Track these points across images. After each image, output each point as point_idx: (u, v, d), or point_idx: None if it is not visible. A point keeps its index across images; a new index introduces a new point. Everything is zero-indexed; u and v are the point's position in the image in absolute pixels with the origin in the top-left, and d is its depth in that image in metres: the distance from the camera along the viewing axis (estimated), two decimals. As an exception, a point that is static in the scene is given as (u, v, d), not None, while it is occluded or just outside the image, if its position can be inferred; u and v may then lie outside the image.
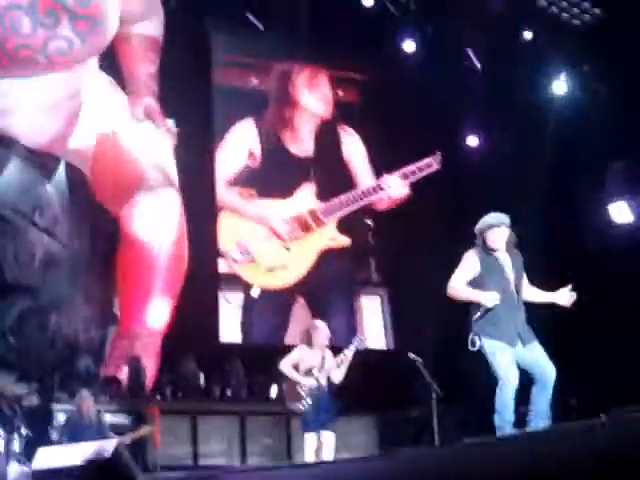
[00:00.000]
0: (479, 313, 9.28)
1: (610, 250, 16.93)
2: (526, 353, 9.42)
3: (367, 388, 14.88)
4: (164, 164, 16.18)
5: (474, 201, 16.95)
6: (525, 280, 9.65)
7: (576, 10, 17.97)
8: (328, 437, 11.59)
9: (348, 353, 11.92)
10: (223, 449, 15.08)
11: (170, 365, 16.00)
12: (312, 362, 11.89)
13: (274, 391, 15.64)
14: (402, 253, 18.19)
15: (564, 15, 18.07)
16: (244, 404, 15.99)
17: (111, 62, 16.07)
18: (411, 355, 12.03)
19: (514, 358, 9.33)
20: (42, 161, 15.76)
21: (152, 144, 16.18)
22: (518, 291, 9.47)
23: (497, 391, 9.27)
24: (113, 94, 16.27)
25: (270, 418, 14.97)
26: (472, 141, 19.47)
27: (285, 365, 11.96)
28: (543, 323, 9.93)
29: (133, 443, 11.96)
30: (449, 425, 13.18)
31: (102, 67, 16.05)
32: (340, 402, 12.05)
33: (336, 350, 12.20)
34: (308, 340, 12.09)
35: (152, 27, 16.46)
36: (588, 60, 18.16)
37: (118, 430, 12.49)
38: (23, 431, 11.83)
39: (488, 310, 9.21)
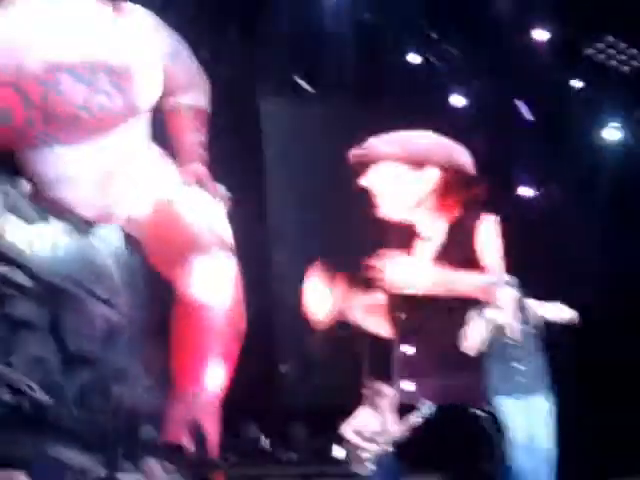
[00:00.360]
0: None
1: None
2: None
3: (434, 446, 14.71)
4: (218, 228, 16.13)
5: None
6: None
7: (624, 57, 18.00)
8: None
9: (414, 421, 11.74)
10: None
11: (233, 429, 15.92)
12: (375, 428, 11.74)
13: (339, 452, 15.49)
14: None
15: (612, 62, 18.10)
16: (308, 466, 15.90)
17: (161, 133, 16.11)
18: (475, 411, 11.87)
19: None
20: (99, 232, 15.79)
21: (205, 209, 16.16)
22: None
23: None
24: (164, 164, 16.29)
25: (336, 480, 14.91)
26: (526, 192, 19.53)
27: (347, 430, 11.83)
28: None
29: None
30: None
31: (153, 139, 16.12)
32: (406, 461, 11.88)
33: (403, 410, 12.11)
34: (372, 403, 12.01)
35: (197, 98, 16.48)
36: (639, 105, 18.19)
37: (186, 495, 12.39)
38: (88, 508, 11.71)
39: None
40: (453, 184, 18.10)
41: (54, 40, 15.04)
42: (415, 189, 18.43)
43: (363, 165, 18.91)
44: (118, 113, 14.53)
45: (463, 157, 17.94)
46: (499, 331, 10.26)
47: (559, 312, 9.97)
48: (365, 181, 18.42)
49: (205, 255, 15.96)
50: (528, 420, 9.98)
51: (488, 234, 17.94)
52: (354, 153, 18.83)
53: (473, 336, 10.24)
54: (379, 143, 19.08)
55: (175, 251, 15.95)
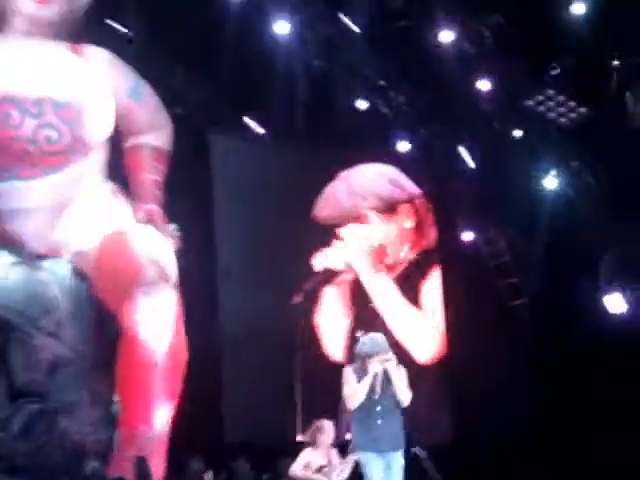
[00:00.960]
0: None
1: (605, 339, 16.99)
2: None
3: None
4: (164, 264, 16.05)
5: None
6: None
7: (563, 109, 18.06)
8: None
9: (354, 454, 11.85)
10: None
11: (177, 464, 15.74)
12: (320, 462, 11.88)
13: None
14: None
15: (551, 113, 18.17)
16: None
17: (116, 171, 16.01)
18: (415, 450, 12.13)
19: None
20: (48, 265, 15.62)
21: (154, 246, 16.08)
22: None
23: None
24: (117, 200, 16.17)
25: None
26: (467, 236, 19.60)
27: (297, 469, 11.93)
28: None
29: None
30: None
31: (108, 177, 16.06)
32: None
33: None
34: (314, 441, 12.09)
35: (159, 138, 16.43)
36: (576, 156, 18.23)
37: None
38: (32, 541, 11.47)
39: None
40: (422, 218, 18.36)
41: (6, 74, 14.82)
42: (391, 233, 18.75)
43: (332, 224, 18.98)
44: (67, 147, 14.33)
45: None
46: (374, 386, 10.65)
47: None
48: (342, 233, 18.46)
49: (149, 290, 15.82)
50: (387, 473, 10.35)
51: (433, 284, 18.17)
52: (320, 214, 18.92)
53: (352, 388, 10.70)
54: (348, 197, 19.18)
55: (121, 285, 15.75)
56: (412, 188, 18.64)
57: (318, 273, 17.89)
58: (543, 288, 18.34)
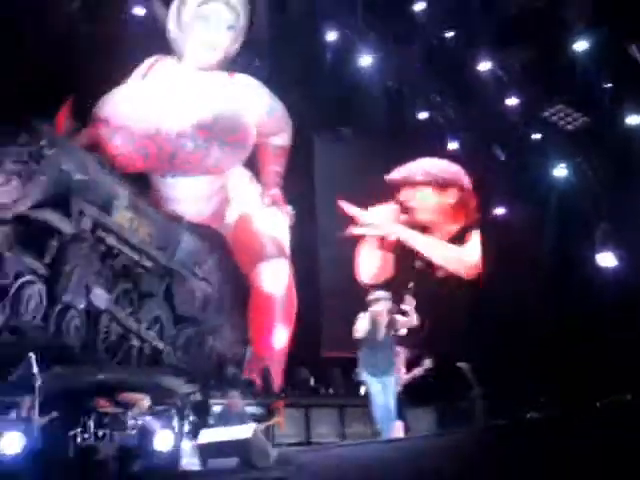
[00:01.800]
0: None
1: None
2: None
3: (429, 388, 14.89)
4: (281, 239, 16.59)
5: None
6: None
7: (570, 118, 18.10)
8: (398, 424, 11.67)
9: (420, 370, 11.98)
10: (328, 431, 15.17)
11: (290, 372, 16.24)
12: None
13: (363, 390, 15.69)
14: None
15: (561, 122, 18.21)
16: (342, 399, 16.08)
17: (251, 162, 16.49)
18: (460, 364, 12.21)
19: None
20: (201, 231, 16.15)
21: (274, 224, 16.55)
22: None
23: None
24: (250, 185, 16.66)
25: (360, 409, 14.99)
26: (500, 210, 19.65)
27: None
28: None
29: (266, 428, 12.05)
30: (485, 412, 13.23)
31: (245, 165, 16.50)
32: (409, 398, 12.09)
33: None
34: None
35: (282, 139, 16.90)
36: (580, 153, 18.24)
37: (256, 418, 12.56)
38: (191, 418, 11.95)
39: None
40: (465, 200, 18.53)
41: (182, 109, 15.59)
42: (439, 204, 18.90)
43: (399, 185, 19.23)
44: (223, 168, 15.34)
45: (467, 180, 18.41)
46: (373, 327, 10.75)
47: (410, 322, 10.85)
48: (402, 198, 18.75)
49: (269, 261, 16.65)
50: (384, 390, 10.57)
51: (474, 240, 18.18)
52: (392, 177, 19.18)
53: (359, 327, 10.85)
54: (409, 171, 19.41)
55: (250, 256, 16.68)
56: (459, 176, 18.85)
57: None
58: (556, 246, 18.29)
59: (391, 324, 10.91)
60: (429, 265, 18.67)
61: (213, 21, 15.81)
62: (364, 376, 11.04)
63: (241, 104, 15.94)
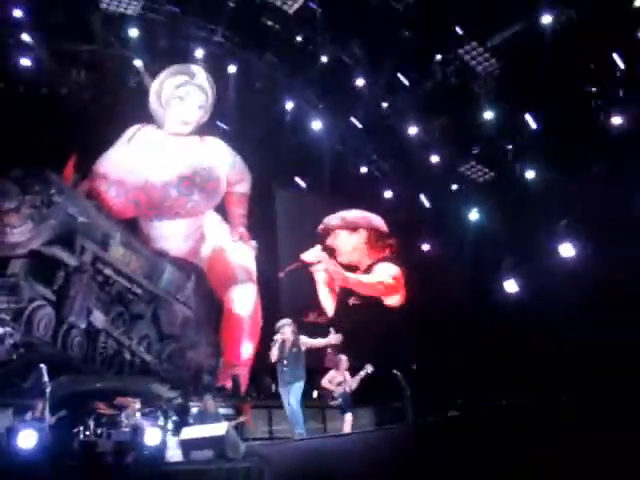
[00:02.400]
0: None
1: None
2: None
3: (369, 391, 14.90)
4: (249, 267, 16.60)
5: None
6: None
7: (480, 172, 18.32)
8: (349, 417, 11.71)
9: (362, 374, 12.00)
10: (287, 428, 15.09)
11: (255, 379, 16.19)
12: (339, 379, 12.02)
13: (315, 394, 15.66)
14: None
15: (473, 175, 18.42)
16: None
17: (220, 207, 16.54)
18: (394, 371, 12.23)
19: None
20: (181, 264, 16.12)
21: (242, 255, 16.59)
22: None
23: None
24: (221, 225, 16.73)
25: (314, 410, 14.97)
26: (425, 247, 19.71)
27: (324, 382, 12.10)
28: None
29: (236, 426, 11.98)
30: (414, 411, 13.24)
31: (215, 209, 16.54)
32: (352, 399, 12.13)
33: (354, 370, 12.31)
34: (336, 366, 12.22)
35: (243, 187, 17.05)
36: (488, 201, 18.40)
37: (227, 418, 12.50)
38: (174, 418, 11.89)
39: None
40: (375, 238, 18.59)
41: (166, 165, 15.69)
42: (353, 243, 18.84)
43: (325, 232, 19.20)
44: (201, 210, 15.35)
45: (379, 222, 18.42)
46: (281, 349, 10.92)
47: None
48: (329, 241, 18.74)
49: (239, 285, 16.61)
50: (292, 394, 10.64)
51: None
52: (320, 227, 19.19)
53: (272, 352, 11.01)
54: (330, 220, 19.38)
55: (222, 282, 16.64)
56: (368, 220, 19.01)
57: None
58: (471, 274, 18.32)
59: (295, 344, 11.12)
60: (358, 295, 18.73)
61: (187, 101, 16.17)
62: (278, 389, 11.31)
63: (211, 160, 16.17)
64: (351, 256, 18.83)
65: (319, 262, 17.78)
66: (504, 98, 16.46)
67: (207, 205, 16.07)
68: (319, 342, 11.60)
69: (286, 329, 11.21)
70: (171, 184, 15.46)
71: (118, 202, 15.36)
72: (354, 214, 19.06)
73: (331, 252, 18.53)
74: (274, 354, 11.15)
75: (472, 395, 14.40)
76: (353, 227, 18.94)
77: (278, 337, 11.23)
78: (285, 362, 11.08)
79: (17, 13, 14.17)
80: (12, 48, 14.96)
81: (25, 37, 14.75)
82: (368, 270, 18.85)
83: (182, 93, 16.16)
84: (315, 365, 17.04)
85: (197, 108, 16.38)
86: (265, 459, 9.06)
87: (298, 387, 11.00)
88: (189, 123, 16.36)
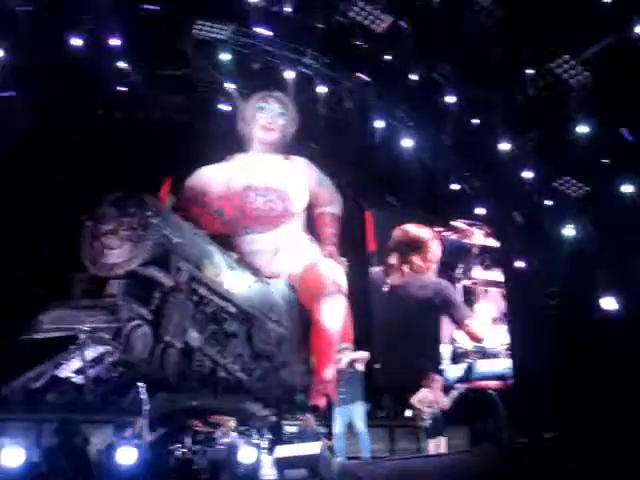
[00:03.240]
0: None
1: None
2: None
3: (462, 411, 14.76)
4: (338, 280, 16.62)
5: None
6: None
7: (574, 187, 17.96)
8: (442, 440, 11.62)
9: (454, 394, 11.92)
10: (380, 447, 14.97)
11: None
12: (431, 399, 11.96)
13: (409, 413, 15.60)
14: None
15: (568, 190, 18.03)
16: (392, 420, 15.96)
17: (310, 226, 16.73)
18: (489, 390, 12.19)
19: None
20: (273, 281, 16.29)
21: (332, 268, 16.64)
22: None
23: None
24: (311, 244, 16.86)
25: (407, 429, 14.91)
26: (519, 264, 19.41)
27: (414, 401, 12.06)
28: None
29: (330, 445, 12.01)
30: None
31: (304, 230, 16.74)
32: (446, 419, 12.05)
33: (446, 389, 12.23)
34: (429, 386, 12.15)
35: (334, 208, 17.13)
36: (583, 216, 18.06)
37: (326, 437, 12.51)
38: (268, 436, 12.03)
39: None
40: None
41: (249, 174, 15.89)
42: None
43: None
44: (281, 214, 15.33)
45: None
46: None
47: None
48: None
49: (330, 298, 16.58)
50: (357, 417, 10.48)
51: None
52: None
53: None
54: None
55: (314, 295, 16.57)
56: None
57: None
58: (566, 291, 18.07)
59: (351, 366, 11.16)
60: None
61: (267, 108, 16.41)
62: (335, 409, 11.31)
63: (294, 174, 16.35)
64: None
65: None
66: (598, 111, 16.13)
67: (286, 210, 16.26)
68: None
69: (345, 354, 11.28)
70: (250, 187, 15.79)
71: (205, 213, 15.71)
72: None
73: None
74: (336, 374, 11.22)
75: (570, 415, 14.14)
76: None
77: (339, 361, 11.32)
78: (345, 381, 11.09)
79: (113, 42, 14.62)
80: (109, 76, 15.51)
81: (121, 64, 15.27)
82: None
83: (262, 104, 16.54)
84: (407, 383, 17.12)
85: (277, 115, 16.61)
86: (358, 478, 9.06)
87: (360, 409, 10.97)
88: (272, 129, 16.60)
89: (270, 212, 17.25)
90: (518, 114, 16.99)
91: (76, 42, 14.29)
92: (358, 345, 16.26)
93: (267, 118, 17.36)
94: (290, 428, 12.64)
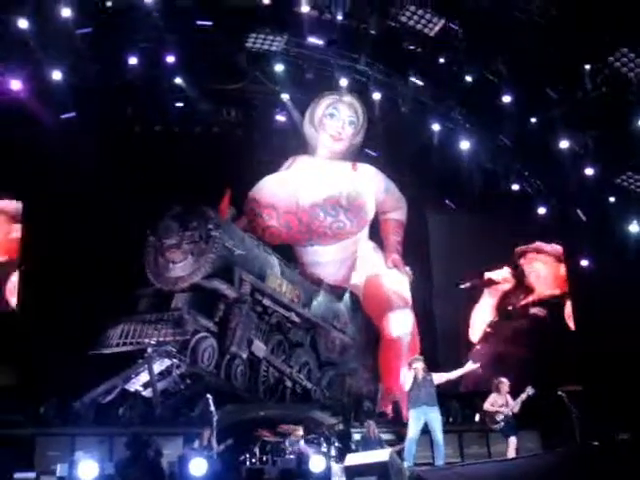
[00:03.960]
0: None
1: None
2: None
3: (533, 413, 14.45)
4: (404, 294, 16.57)
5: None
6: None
7: (638, 183, 17.63)
8: (513, 440, 11.43)
9: (523, 396, 11.70)
10: (450, 452, 14.78)
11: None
12: (501, 402, 11.76)
13: (477, 418, 15.37)
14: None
15: (632, 186, 17.63)
16: (460, 425, 15.73)
17: (374, 235, 16.70)
18: (560, 392, 11.94)
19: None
20: (336, 291, 16.31)
21: (397, 282, 16.60)
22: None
23: None
24: (375, 253, 16.83)
25: (476, 434, 14.69)
26: (585, 262, 19.09)
27: (487, 406, 11.86)
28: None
29: (398, 451, 11.92)
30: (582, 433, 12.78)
31: (369, 237, 16.73)
32: (517, 422, 11.84)
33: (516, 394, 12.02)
34: (497, 390, 11.95)
35: (398, 215, 17.15)
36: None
37: (389, 443, 12.44)
38: (336, 444, 12.00)
39: None
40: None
41: (316, 189, 16.03)
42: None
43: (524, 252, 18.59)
44: (349, 232, 15.47)
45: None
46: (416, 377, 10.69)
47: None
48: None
49: (395, 312, 16.57)
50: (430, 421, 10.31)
51: None
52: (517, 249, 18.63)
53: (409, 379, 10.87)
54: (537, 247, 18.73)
55: (379, 308, 16.61)
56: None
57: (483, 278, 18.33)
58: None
59: (426, 372, 11.00)
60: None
61: (337, 117, 16.59)
62: (410, 411, 11.09)
63: (361, 184, 16.38)
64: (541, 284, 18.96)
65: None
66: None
67: (353, 227, 16.25)
68: (454, 374, 11.45)
69: (418, 363, 11.16)
70: (318, 205, 15.88)
71: (271, 226, 15.91)
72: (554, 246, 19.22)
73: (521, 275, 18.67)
74: (409, 382, 11.11)
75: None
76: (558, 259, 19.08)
77: (412, 371, 11.20)
78: (419, 385, 10.95)
79: (170, 59, 14.83)
80: (166, 92, 15.76)
81: (178, 80, 15.48)
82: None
83: (332, 110, 16.67)
84: (476, 388, 16.87)
85: (348, 124, 16.82)
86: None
87: (437, 416, 10.84)
88: (341, 139, 16.73)
89: (337, 230, 17.33)
90: (577, 110, 16.67)
91: (133, 61, 14.54)
92: (425, 355, 16.16)
93: (337, 127, 17.49)
94: (357, 436, 12.57)
